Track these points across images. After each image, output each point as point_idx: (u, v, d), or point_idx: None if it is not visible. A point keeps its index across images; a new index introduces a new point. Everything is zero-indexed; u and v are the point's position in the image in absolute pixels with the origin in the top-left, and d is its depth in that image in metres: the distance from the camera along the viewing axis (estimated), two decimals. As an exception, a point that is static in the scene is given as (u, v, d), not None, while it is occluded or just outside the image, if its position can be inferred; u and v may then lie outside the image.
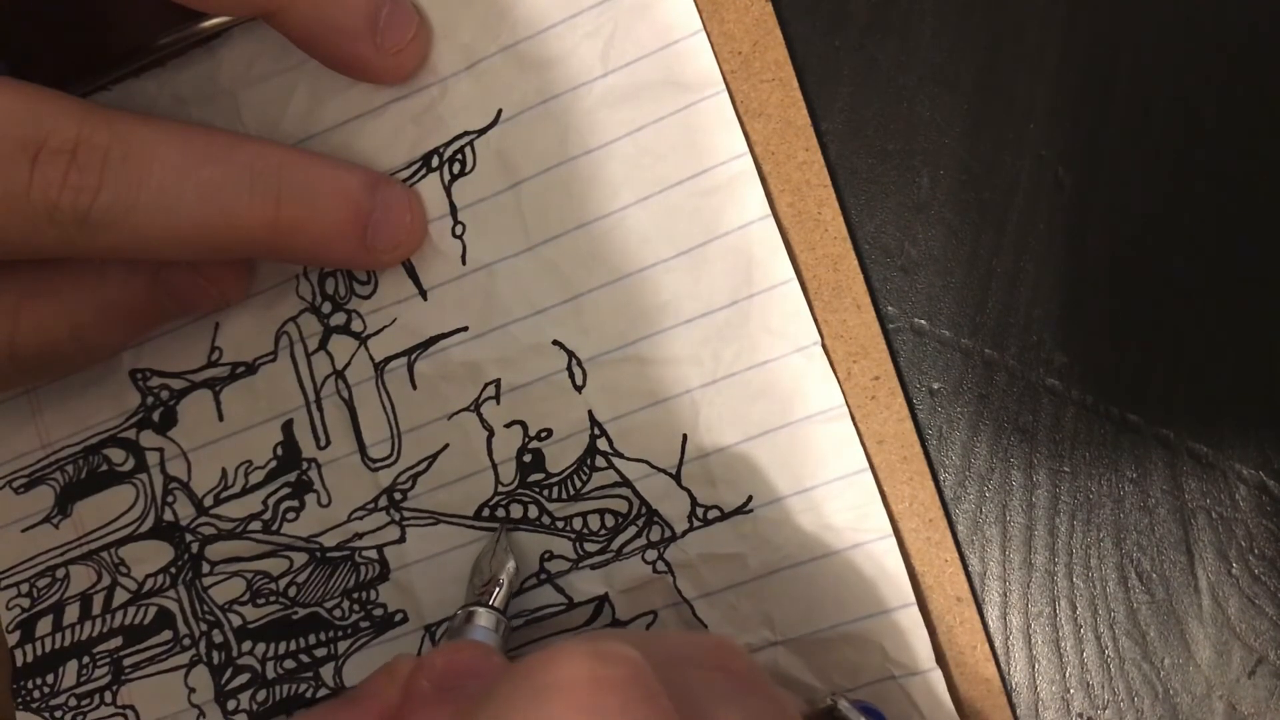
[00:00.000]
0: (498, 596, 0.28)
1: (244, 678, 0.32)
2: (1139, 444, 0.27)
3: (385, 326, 0.31)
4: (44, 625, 0.33)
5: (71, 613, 0.33)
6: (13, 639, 0.33)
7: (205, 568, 0.32)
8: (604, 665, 0.19)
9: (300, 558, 0.32)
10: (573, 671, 0.19)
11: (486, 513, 0.30)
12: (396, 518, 0.31)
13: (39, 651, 0.33)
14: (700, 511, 0.29)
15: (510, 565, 0.29)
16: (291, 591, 0.32)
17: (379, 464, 0.31)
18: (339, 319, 0.31)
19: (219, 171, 0.27)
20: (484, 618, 0.27)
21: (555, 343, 0.30)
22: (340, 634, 0.31)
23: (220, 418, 0.32)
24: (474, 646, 0.25)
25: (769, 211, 0.28)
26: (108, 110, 0.27)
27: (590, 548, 0.30)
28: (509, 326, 0.30)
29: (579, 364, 0.30)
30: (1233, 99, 0.27)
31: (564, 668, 0.19)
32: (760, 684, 0.23)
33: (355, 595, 0.31)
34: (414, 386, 0.31)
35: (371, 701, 0.25)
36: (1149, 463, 0.27)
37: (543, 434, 0.30)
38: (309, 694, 0.31)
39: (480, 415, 0.30)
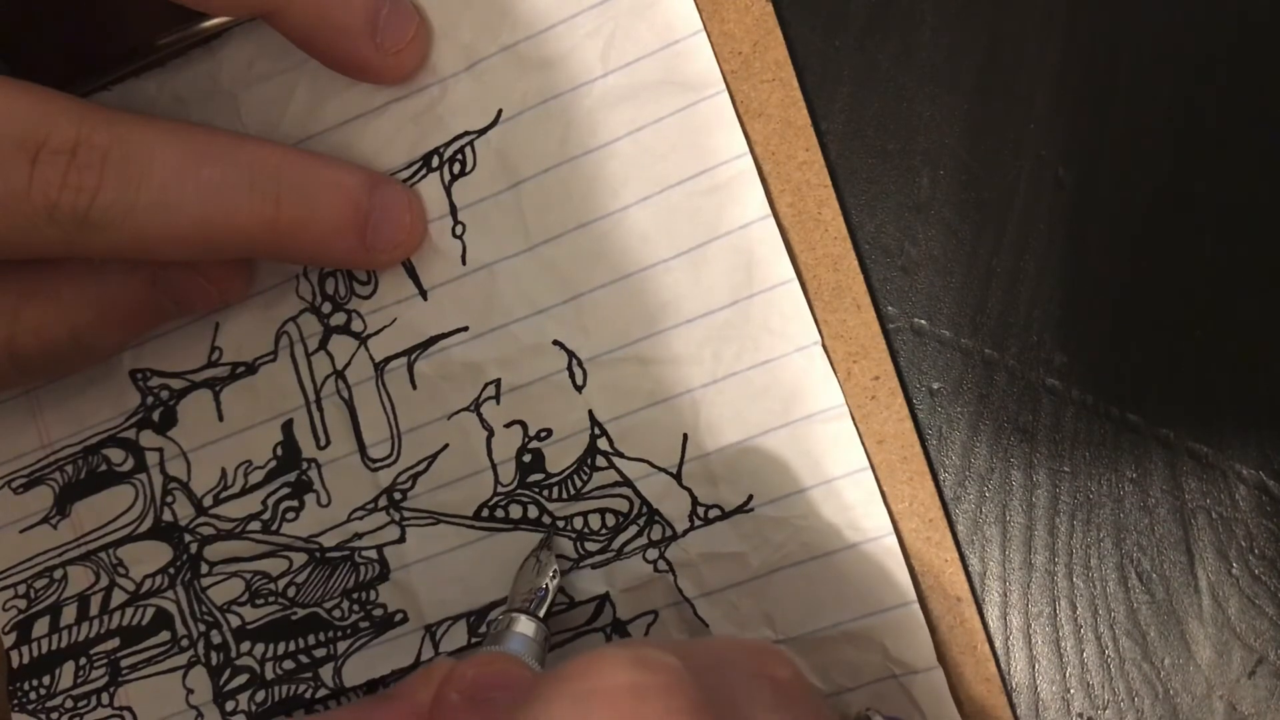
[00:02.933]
0: (542, 605, 0.28)
1: (242, 678, 0.32)
2: (1139, 444, 0.27)
3: (385, 326, 0.31)
4: (41, 626, 0.33)
5: (69, 613, 0.33)
6: (9, 640, 0.33)
7: (204, 568, 0.32)
8: (645, 672, 0.19)
9: (299, 558, 0.31)
10: (613, 678, 0.19)
11: (486, 513, 0.30)
12: (396, 518, 0.31)
13: (36, 653, 0.33)
14: (701, 511, 0.29)
15: (554, 571, 0.29)
16: (291, 592, 0.31)
17: (379, 464, 0.31)
18: (339, 319, 0.31)
19: (219, 172, 0.27)
20: (524, 625, 0.27)
21: (555, 343, 0.30)
22: (339, 634, 0.31)
23: (220, 418, 0.32)
24: (504, 658, 0.25)
25: (769, 211, 0.28)
26: (108, 110, 0.27)
27: (591, 547, 0.30)
28: (509, 326, 0.30)
29: (579, 364, 0.30)
30: (1233, 99, 0.27)
31: (604, 674, 0.19)
32: (805, 693, 0.23)
33: (355, 595, 0.31)
34: (414, 386, 0.31)
35: (404, 703, 0.25)
36: (1149, 463, 0.27)
37: (543, 434, 0.30)
38: (308, 695, 0.31)
39: (480, 415, 0.30)
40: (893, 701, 0.28)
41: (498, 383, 0.30)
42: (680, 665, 0.20)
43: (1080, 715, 0.28)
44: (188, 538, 0.32)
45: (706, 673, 0.20)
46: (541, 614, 0.28)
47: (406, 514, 0.31)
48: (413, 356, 0.31)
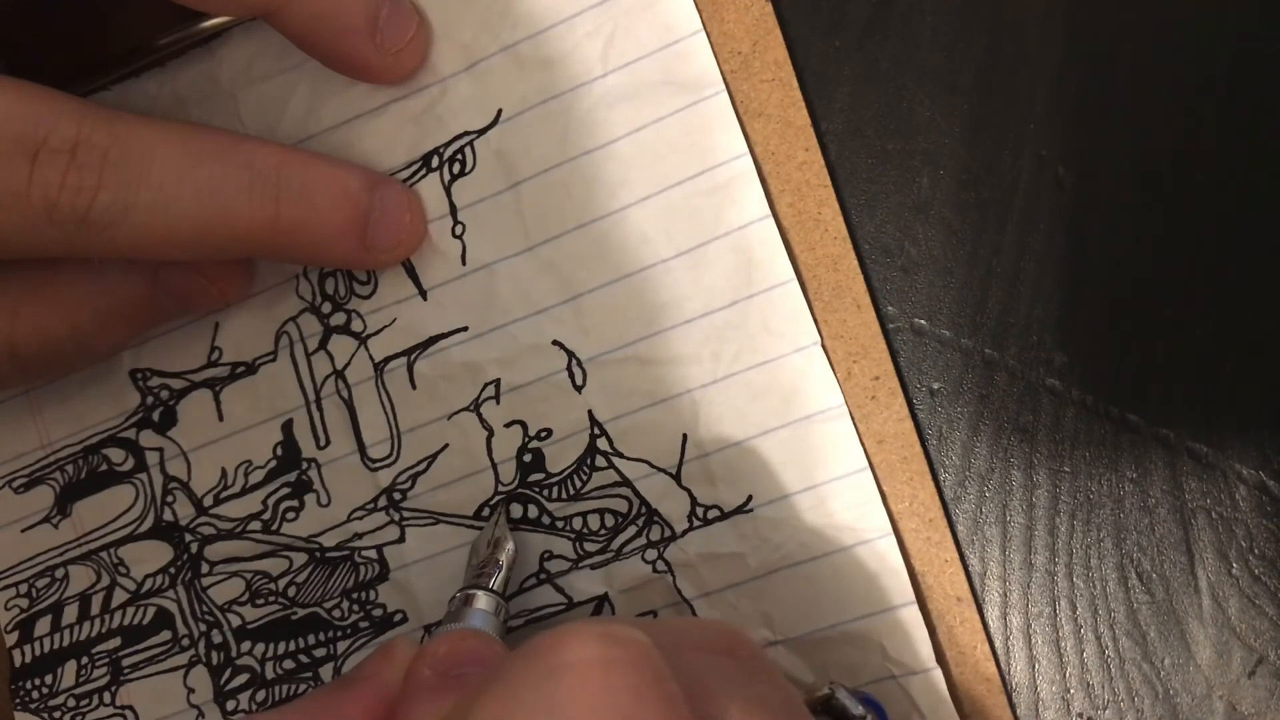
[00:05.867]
0: (496, 579, 0.28)
1: (243, 678, 0.32)
2: (1139, 444, 0.27)
3: (385, 326, 0.31)
4: (43, 625, 0.33)
5: (70, 613, 0.33)
6: (11, 639, 0.33)
7: (204, 568, 0.32)
8: (613, 646, 0.20)
9: (300, 558, 0.31)
10: (583, 652, 0.19)
11: (486, 512, 0.30)
12: (396, 518, 0.31)
13: (38, 652, 0.33)
14: (700, 511, 0.29)
15: (509, 547, 0.29)
16: (291, 592, 0.32)
17: (379, 464, 0.31)
18: (339, 319, 0.31)
19: (218, 171, 0.27)
20: (483, 600, 0.27)
21: (555, 343, 0.30)
22: (339, 634, 0.31)
23: (220, 418, 0.32)
24: (476, 635, 0.25)
25: (769, 211, 0.28)
26: (107, 110, 0.27)
27: (590, 547, 0.30)
28: (509, 326, 0.30)
29: (579, 364, 0.30)
30: (1232, 99, 0.27)
31: (574, 648, 0.19)
32: (766, 670, 0.23)
33: (354, 595, 0.31)
34: (414, 386, 0.31)
35: (369, 684, 0.25)
36: (1149, 463, 0.27)
37: (543, 434, 0.30)
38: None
39: (480, 415, 0.30)
40: (892, 702, 0.28)
41: (497, 383, 0.30)
42: (648, 640, 0.20)
43: (1080, 715, 0.28)
44: (188, 537, 0.32)
45: (671, 650, 0.21)
46: (496, 587, 0.28)
47: (406, 514, 0.31)
48: (412, 356, 0.31)
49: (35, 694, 0.33)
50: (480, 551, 0.29)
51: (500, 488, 0.30)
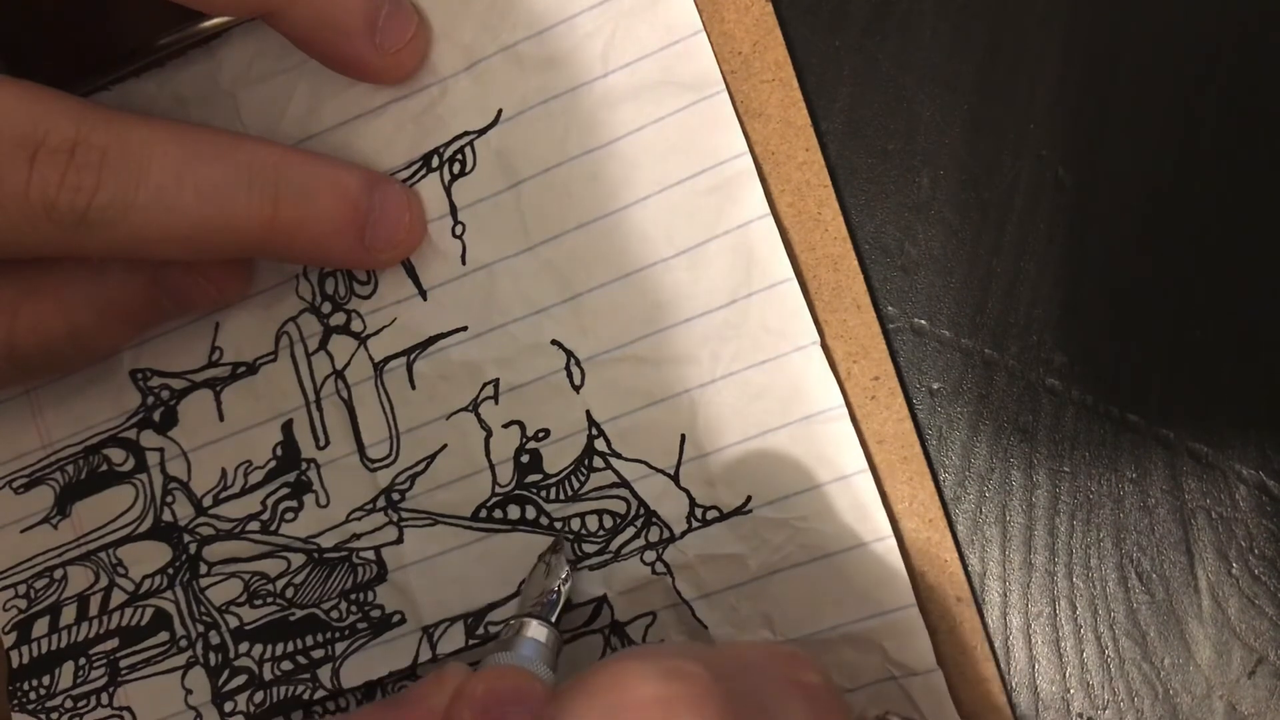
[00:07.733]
0: (554, 609, 0.28)
1: (241, 679, 0.32)
2: (1139, 444, 0.27)
3: (385, 326, 0.31)
4: (41, 626, 0.33)
5: (68, 614, 0.33)
6: (9, 640, 0.33)
7: (203, 568, 0.32)
8: (674, 683, 0.19)
9: (298, 559, 0.31)
10: (643, 690, 0.19)
11: (484, 514, 0.30)
12: (394, 518, 0.31)
13: (35, 653, 0.33)
14: (699, 512, 0.29)
15: (565, 574, 0.28)
16: (289, 592, 0.31)
17: (377, 464, 0.31)
18: (339, 319, 0.31)
19: (217, 171, 0.27)
20: (539, 631, 0.27)
21: (554, 342, 0.30)
22: (338, 635, 0.31)
23: (220, 418, 0.32)
24: (515, 672, 0.24)
25: (768, 211, 0.28)
26: (106, 110, 0.27)
27: (588, 549, 0.30)
28: (508, 326, 0.30)
29: (577, 364, 0.29)
30: (1233, 99, 0.27)
31: (632, 687, 0.19)
32: (834, 699, 0.23)
33: (353, 596, 0.31)
34: (413, 386, 0.31)
35: (417, 708, 0.24)
36: (1149, 463, 0.27)
37: (540, 434, 0.30)
38: (306, 696, 0.31)
39: (478, 415, 0.30)
40: (893, 703, 0.28)
41: (496, 383, 0.30)
42: (709, 675, 0.20)
43: (1080, 715, 0.27)
44: (187, 538, 0.32)
45: (735, 679, 0.20)
46: (553, 618, 0.27)
47: (404, 515, 0.31)
48: (412, 356, 0.31)
49: (33, 695, 0.33)
50: (537, 579, 0.29)
51: (498, 488, 0.30)
